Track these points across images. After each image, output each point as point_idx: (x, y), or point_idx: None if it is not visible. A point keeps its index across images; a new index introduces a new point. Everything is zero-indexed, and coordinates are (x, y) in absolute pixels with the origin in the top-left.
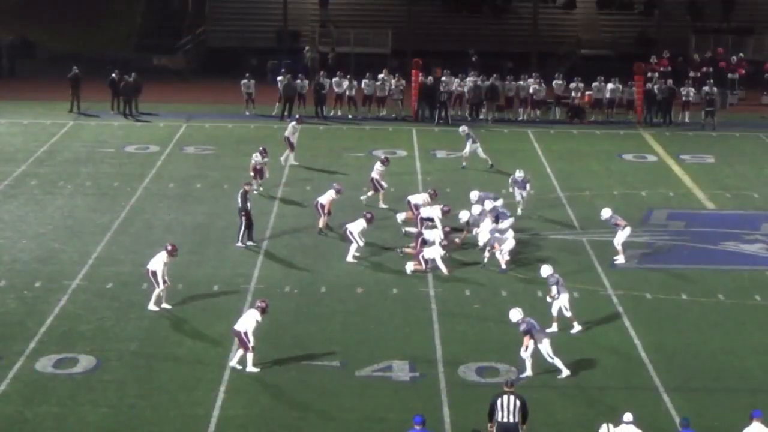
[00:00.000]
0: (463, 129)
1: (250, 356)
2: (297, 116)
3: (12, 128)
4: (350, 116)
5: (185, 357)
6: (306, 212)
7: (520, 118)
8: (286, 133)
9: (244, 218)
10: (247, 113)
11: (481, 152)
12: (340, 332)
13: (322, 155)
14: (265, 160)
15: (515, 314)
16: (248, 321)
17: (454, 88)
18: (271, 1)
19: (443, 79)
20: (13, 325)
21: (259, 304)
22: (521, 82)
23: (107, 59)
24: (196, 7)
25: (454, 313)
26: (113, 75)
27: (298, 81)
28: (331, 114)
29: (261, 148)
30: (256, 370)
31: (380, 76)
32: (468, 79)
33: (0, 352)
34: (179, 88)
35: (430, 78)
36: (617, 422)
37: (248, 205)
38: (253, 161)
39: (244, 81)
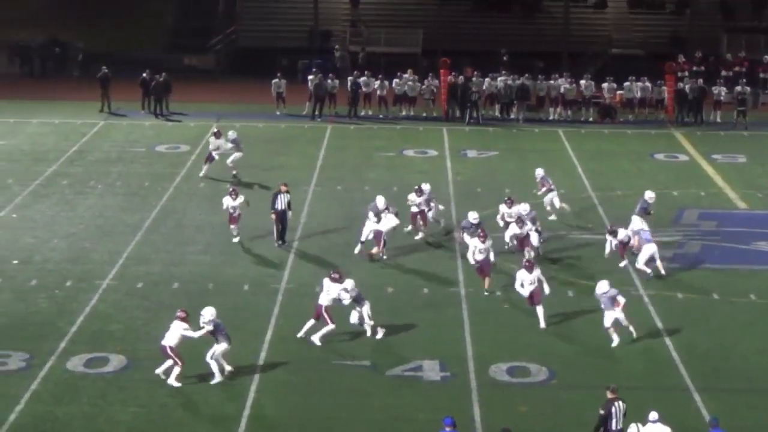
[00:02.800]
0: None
1: (177, 369)
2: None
3: (43, 128)
4: (381, 116)
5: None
6: (336, 212)
7: (551, 118)
8: (211, 147)
9: (273, 218)
10: (278, 113)
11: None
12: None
13: (353, 155)
14: (238, 202)
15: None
16: (174, 334)
17: (485, 87)
18: (301, 1)
19: (474, 78)
20: (45, 324)
21: (178, 314)
22: (552, 82)
23: (137, 59)
24: (226, 6)
25: (485, 312)
26: (144, 75)
27: (329, 80)
28: (362, 113)
29: (231, 189)
30: (177, 384)
31: (405, 76)
32: (499, 78)
33: (31, 351)
34: (209, 88)
35: (461, 77)
36: (645, 422)
37: (277, 205)
38: (224, 206)
39: (275, 81)
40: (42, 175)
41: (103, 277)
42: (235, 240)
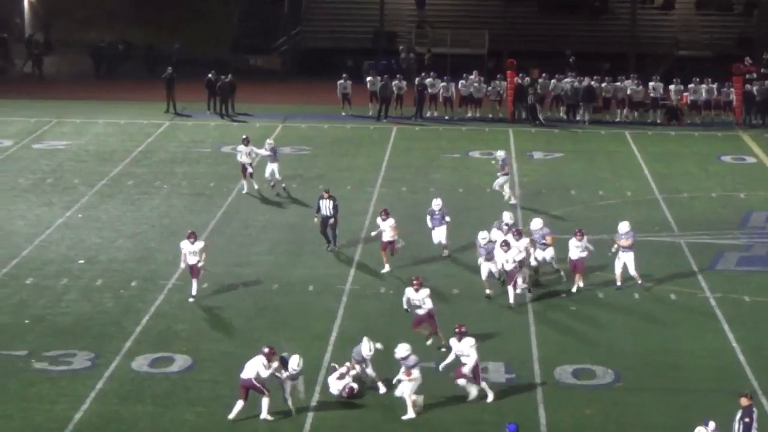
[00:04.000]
0: (500, 154)
1: (266, 401)
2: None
3: (109, 128)
4: (446, 117)
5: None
6: (401, 213)
7: (617, 120)
8: (243, 159)
9: (316, 222)
10: (344, 114)
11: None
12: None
13: (418, 156)
14: (197, 247)
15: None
16: (253, 367)
17: (551, 88)
18: (367, 2)
19: (540, 80)
20: (110, 324)
21: (264, 350)
22: (618, 84)
23: (203, 60)
24: (292, 8)
25: (550, 314)
26: (210, 75)
27: (396, 81)
28: (427, 115)
29: (189, 232)
30: (270, 418)
31: (471, 77)
32: (565, 80)
33: (96, 350)
34: (275, 89)
35: (527, 79)
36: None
37: (322, 211)
38: (182, 252)
39: (341, 81)
40: (108, 176)
41: (168, 278)
42: (192, 299)
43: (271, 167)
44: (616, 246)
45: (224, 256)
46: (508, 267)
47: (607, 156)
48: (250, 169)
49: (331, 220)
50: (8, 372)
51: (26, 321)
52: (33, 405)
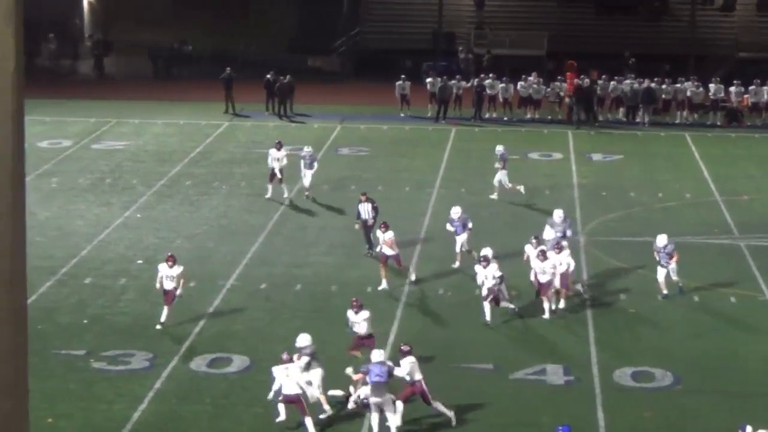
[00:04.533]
0: (499, 149)
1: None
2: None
3: (168, 129)
4: (505, 118)
5: (337, 357)
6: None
7: (677, 122)
8: (275, 165)
9: (357, 227)
10: (402, 115)
11: (505, 180)
12: (494, 334)
13: (477, 157)
14: (175, 272)
15: (663, 239)
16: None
17: (610, 90)
18: (426, 3)
19: (600, 81)
20: (168, 324)
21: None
22: (678, 85)
23: (262, 61)
24: (351, 8)
25: (610, 317)
26: (268, 76)
27: (454, 82)
28: (486, 116)
29: (167, 255)
30: None
31: (530, 78)
32: (625, 81)
33: (155, 351)
34: (333, 90)
35: (586, 80)
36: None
37: (362, 215)
38: (159, 275)
39: (399, 82)
40: (166, 176)
41: (227, 278)
42: (159, 327)
43: (308, 175)
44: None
45: (282, 257)
46: (543, 279)
47: (667, 158)
48: (278, 175)
49: (370, 222)
50: (68, 371)
51: (85, 321)
52: (92, 404)
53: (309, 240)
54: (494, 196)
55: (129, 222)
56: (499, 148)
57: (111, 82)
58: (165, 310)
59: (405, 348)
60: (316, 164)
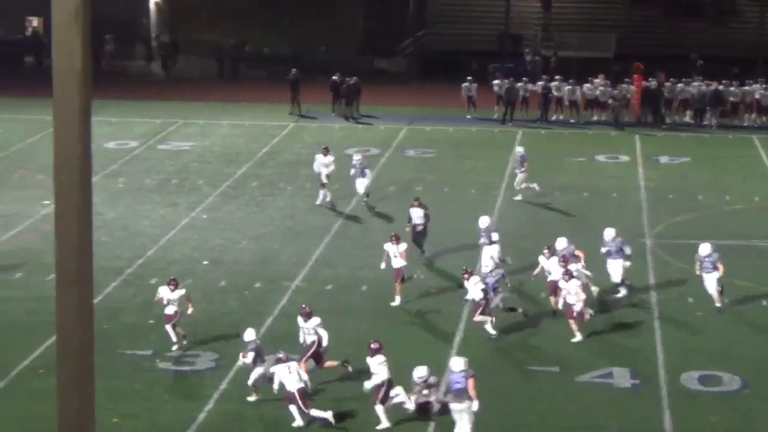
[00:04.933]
0: (519, 150)
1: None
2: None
3: (234, 130)
4: (572, 120)
5: (407, 358)
6: (526, 217)
7: (745, 124)
8: (321, 170)
9: (408, 231)
10: (468, 116)
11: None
12: (560, 336)
13: (544, 159)
14: (177, 295)
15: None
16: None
17: (677, 92)
18: (492, 5)
19: (667, 83)
20: (233, 325)
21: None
22: (747, 88)
23: (328, 62)
24: (417, 10)
25: (677, 320)
26: (335, 77)
27: (521, 84)
28: (553, 118)
29: (169, 279)
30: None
31: (596, 80)
32: (693, 84)
33: (220, 351)
34: (400, 91)
35: (653, 82)
36: None
37: (414, 220)
38: (158, 296)
39: (465, 84)
40: (232, 177)
41: (292, 279)
42: (175, 348)
43: (362, 183)
44: (698, 267)
45: (347, 259)
46: (570, 299)
47: (735, 161)
48: (324, 180)
49: (420, 227)
50: (133, 371)
51: (150, 321)
52: (157, 405)
53: (373, 242)
54: (519, 197)
55: (195, 223)
56: (519, 150)
57: (177, 82)
58: (170, 332)
59: (374, 345)
60: (368, 171)
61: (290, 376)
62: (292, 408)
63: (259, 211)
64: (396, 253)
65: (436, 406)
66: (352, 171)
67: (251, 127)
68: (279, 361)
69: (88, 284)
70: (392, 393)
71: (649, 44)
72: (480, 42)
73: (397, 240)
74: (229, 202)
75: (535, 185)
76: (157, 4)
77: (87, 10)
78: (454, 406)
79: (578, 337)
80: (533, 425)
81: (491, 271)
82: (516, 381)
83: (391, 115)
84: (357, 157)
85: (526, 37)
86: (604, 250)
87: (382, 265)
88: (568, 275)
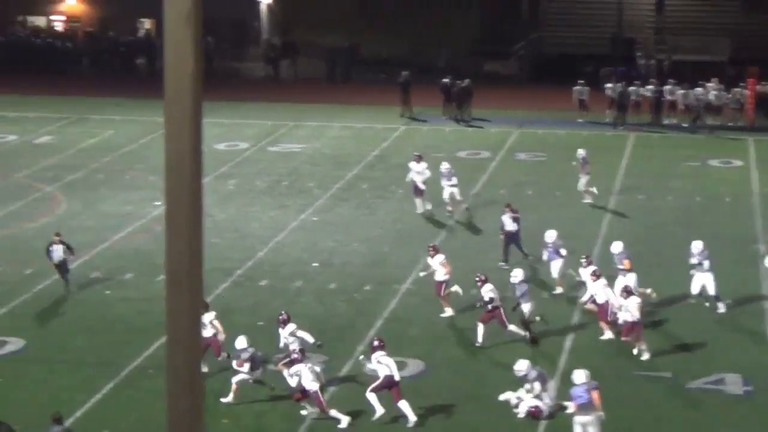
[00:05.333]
0: (580, 153)
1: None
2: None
3: (345, 132)
4: (685, 124)
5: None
6: (638, 221)
7: None
8: (416, 178)
9: (501, 238)
10: (580, 120)
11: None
12: (672, 343)
13: (656, 164)
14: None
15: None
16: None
17: None
18: (605, 8)
19: None
20: (343, 327)
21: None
22: None
23: (439, 64)
24: (530, 13)
25: None
26: (445, 80)
27: (634, 88)
28: (666, 122)
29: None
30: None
31: (710, 84)
32: None
33: (330, 353)
34: (511, 94)
35: None
36: None
37: (506, 226)
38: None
39: (577, 87)
40: (343, 179)
41: (402, 282)
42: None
43: (450, 190)
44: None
45: (457, 262)
46: (625, 317)
47: None
48: (421, 187)
49: (512, 233)
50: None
51: (260, 323)
52: (264, 406)
53: (485, 245)
54: (587, 200)
55: (305, 225)
56: (581, 152)
57: (288, 84)
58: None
59: (376, 343)
60: (455, 179)
61: (309, 375)
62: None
63: (369, 213)
64: (439, 264)
65: (546, 411)
66: (442, 179)
67: (362, 129)
68: (295, 361)
69: (198, 286)
70: (501, 397)
71: (764, 48)
72: (592, 45)
73: (435, 251)
74: (340, 204)
75: (593, 189)
76: (269, 6)
77: (199, 12)
78: (579, 419)
79: (646, 355)
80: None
81: (518, 283)
82: (626, 387)
83: (503, 118)
84: (445, 165)
85: (639, 41)
86: (693, 261)
87: (422, 274)
88: (627, 293)
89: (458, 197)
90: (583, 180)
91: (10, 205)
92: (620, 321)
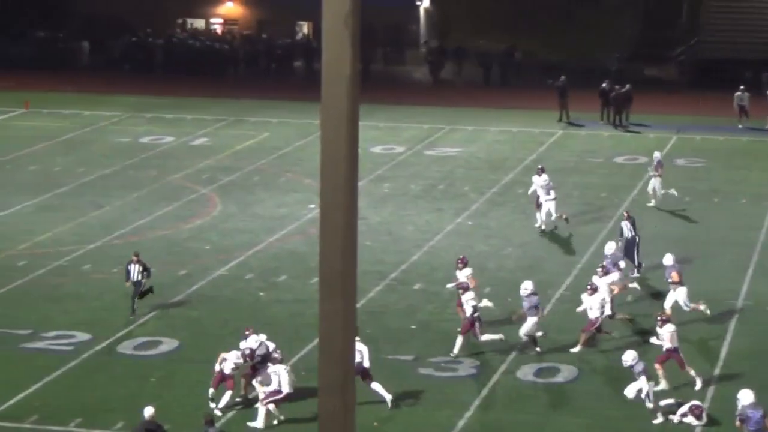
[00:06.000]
0: (656, 155)
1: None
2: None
3: (501, 136)
4: None
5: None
6: None
7: None
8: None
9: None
10: (740, 126)
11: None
12: None
13: None
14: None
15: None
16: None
17: None
18: (767, 12)
19: None
20: (497, 332)
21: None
22: None
23: (597, 69)
24: (690, 17)
25: None
26: (603, 85)
27: None
28: None
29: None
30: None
31: None
32: None
33: (481, 357)
34: (670, 100)
35: None
36: None
37: (622, 232)
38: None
39: (738, 93)
40: (498, 183)
41: (557, 287)
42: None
43: (548, 205)
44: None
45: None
46: (592, 315)
47: None
48: (548, 197)
49: (630, 241)
50: (395, 376)
51: (413, 326)
52: (417, 410)
53: (642, 249)
54: (652, 203)
55: (460, 229)
56: (656, 155)
57: (445, 88)
58: (226, 395)
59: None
60: (553, 192)
61: (287, 377)
62: (271, 407)
63: (525, 218)
64: (466, 277)
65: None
66: (536, 191)
67: (518, 133)
68: (276, 360)
69: (351, 288)
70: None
71: None
72: (754, 50)
73: (464, 264)
74: (495, 208)
75: (673, 191)
76: (426, 10)
77: (357, 15)
78: None
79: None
80: None
81: (527, 295)
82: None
83: (662, 123)
84: (543, 178)
85: None
86: None
87: (449, 286)
88: (592, 290)
89: (554, 213)
90: (653, 182)
91: (166, 206)
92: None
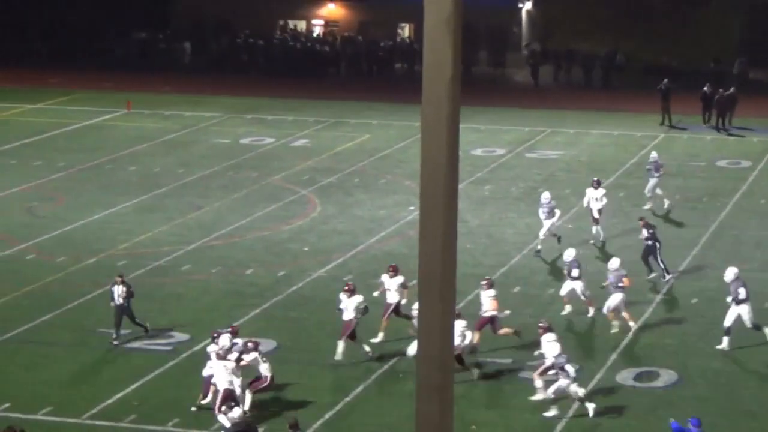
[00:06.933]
0: (653, 156)
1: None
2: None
3: (603, 139)
4: None
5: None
6: None
7: None
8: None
9: None
10: None
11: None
12: None
13: None
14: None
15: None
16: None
17: None
18: None
19: None
20: (597, 336)
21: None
22: None
23: (701, 72)
24: None
25: None
26: (705, 88)
27: None
28: None
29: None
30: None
31: None
32: None
33: (581, 361)
34: None
35: None
36: None
37: (644, 236)
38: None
39: None
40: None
41: (657, 291)
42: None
43: (549, 222)
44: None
45: (714, 272)
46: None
47: None
48: (596, 215)
49: (651, 246)
50: (493, 380)
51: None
52: (515, 413)
53: (743, 255)
54: (648, 206)
55: (560, 232)
56: (654, 155)
57: (546, 90)
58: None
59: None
60: (557, 211)
61: (264, 365)
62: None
63: (626, 221)
64: (490, 298)
65: None
66: (539, 211)
67: (620, 136)
68: (252, 349)
69: (450, 291)
70: None
71: None
72: None
73: (489, 285)
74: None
75: (665, 200)
76: (528, 12)
77: (459, 17)
78: None
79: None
80: None
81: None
82: None
83: (765, 127)
84: (545, 197)
85: None
86: None
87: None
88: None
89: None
90: (651, 183)
91: (265, 207)
92: None
